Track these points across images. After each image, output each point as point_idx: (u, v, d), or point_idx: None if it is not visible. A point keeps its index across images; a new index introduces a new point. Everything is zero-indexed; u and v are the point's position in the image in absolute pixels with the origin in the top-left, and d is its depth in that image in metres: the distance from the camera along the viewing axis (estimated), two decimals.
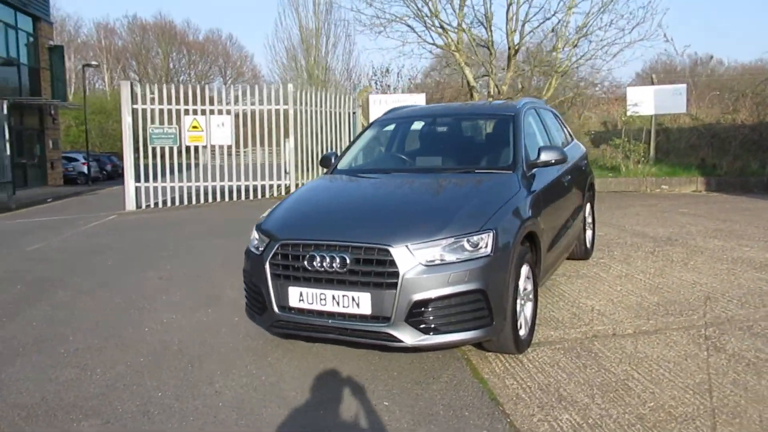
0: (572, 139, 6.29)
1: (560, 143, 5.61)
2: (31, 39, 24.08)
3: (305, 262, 3.49)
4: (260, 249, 3.76)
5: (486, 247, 3.42)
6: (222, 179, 13.50)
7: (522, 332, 3.84)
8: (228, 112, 13.38)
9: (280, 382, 3.54)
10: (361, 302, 3.37)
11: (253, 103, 13.47)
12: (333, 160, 5.04)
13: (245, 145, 13.68)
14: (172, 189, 13.31)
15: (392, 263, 3.31)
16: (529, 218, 3.91)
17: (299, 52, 24.46)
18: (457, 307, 3.36)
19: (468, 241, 3.42)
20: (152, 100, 13.04)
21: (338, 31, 24.99)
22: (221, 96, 13.32)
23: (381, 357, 3.84)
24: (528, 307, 3.99)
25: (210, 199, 13.62)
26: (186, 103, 13.23)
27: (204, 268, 6.63)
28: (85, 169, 28.42)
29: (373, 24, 13.89)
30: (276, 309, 3.64)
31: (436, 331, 3.35)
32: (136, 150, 13.02)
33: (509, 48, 13.37)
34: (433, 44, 13.82)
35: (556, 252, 4.75)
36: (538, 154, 4.40)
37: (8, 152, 16.06)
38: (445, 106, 6.02)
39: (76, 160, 29.30)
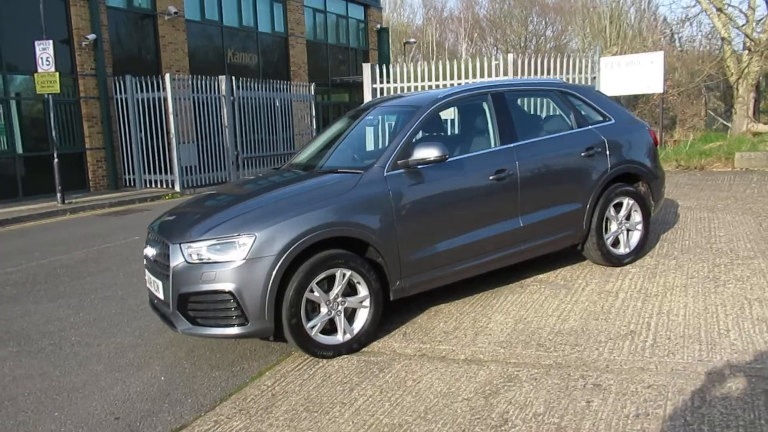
0: (607, 121, 5.13)
1: (550, 131, 4.79)
2: (362, 25, 28.02)
3: (145, 250, 4.22)
4: None
5: (243, 251, 3.60)
6: None
7: (338, 337, 3.86)
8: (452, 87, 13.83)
9: (136, 347, 4.35)
10: (160, 289, 3.94)
11: (474, 76, 13.62)
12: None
13: None
14: None
15: (168, 257, 3.79)
16: (342, 222, 3.81)
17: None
18: (212, 304, 3.67)
19: (231, 243, 3.64)
20: (388, 79, 14.38)
21: None
22: (446, 72, 13.82)
23: (248, 342, 4.28)
24: (362, 313, 3.94)
25: None
26: (416, 80, 14.20)
27: None
28: None
29: None
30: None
31: (198, 323, 3.74)
32: None
33: None
34: None
35: (455, 257, 4.28)
36: (412, 152, 4.09)
37: (314, 126, 19.57)
38: (391, 98, 5.57)
39: None
